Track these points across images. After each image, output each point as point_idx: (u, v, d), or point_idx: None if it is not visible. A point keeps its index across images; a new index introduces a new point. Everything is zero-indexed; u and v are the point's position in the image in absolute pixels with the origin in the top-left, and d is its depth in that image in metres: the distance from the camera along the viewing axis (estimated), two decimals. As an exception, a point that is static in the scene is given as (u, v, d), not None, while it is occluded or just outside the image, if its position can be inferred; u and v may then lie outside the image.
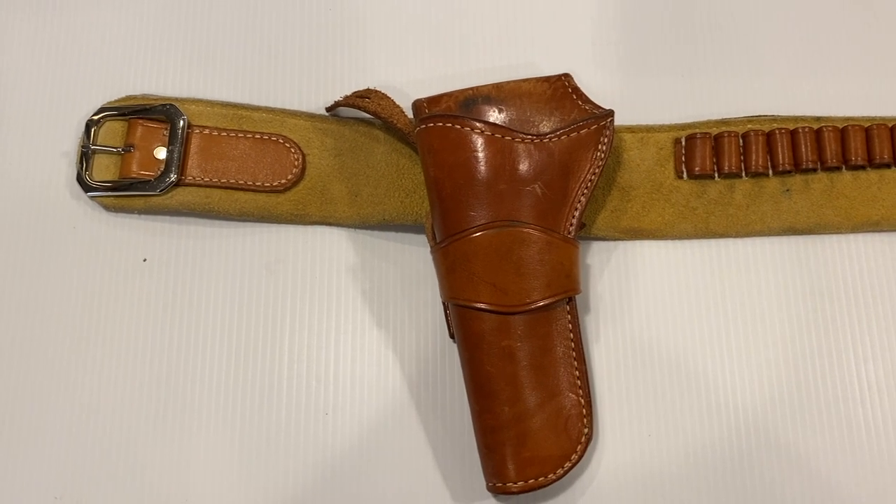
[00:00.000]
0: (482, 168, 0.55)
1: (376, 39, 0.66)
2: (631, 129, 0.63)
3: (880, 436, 0.58)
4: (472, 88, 0.60)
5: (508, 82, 0.60)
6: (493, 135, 0.55)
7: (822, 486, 0.57)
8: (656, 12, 0.67)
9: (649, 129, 0.63)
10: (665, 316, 0.60)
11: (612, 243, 0.62)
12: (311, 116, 0.64)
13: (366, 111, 0.60)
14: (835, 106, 0.64)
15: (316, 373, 0.59)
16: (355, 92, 0.62)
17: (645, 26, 0.67)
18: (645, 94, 0.65)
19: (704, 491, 0.57)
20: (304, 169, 0.62)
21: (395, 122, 0.59)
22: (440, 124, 0.55)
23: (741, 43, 0.66)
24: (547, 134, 0.56)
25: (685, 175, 0.62)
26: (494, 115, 0.59)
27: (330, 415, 0.59)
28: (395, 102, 0.60)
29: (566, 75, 0.61)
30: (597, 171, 0.57)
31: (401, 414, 0.59)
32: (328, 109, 0.63)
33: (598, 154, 0.57)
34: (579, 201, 0.57)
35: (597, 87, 0.65)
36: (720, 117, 0.63)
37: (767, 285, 0.61)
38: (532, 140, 0.56)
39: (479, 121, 0.55)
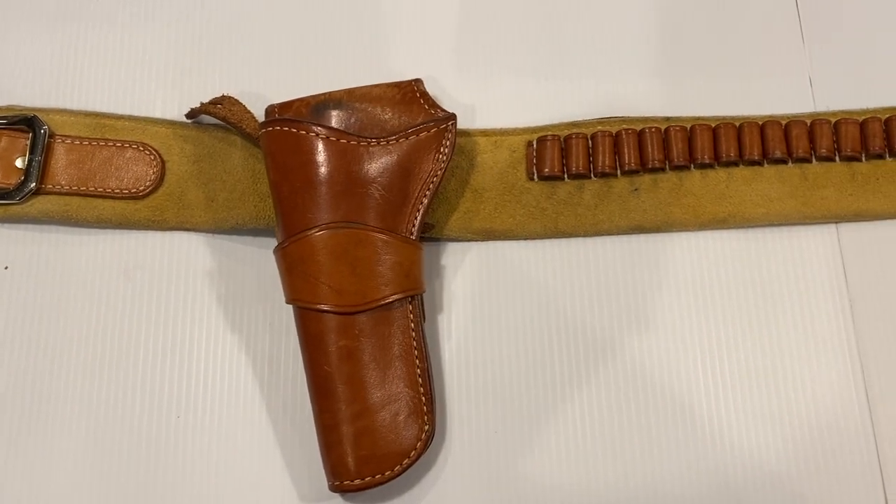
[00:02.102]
0: (319, 171, 0.56)
1: (242, 48, 0.67)
2: (485, 133, 0.64)
3: (723, 429, 0.59)
4: (324, 93, 0.61)
5: (360, 87, 0.62)
6: (329, 138, 0.56)
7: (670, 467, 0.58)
8: (515, 18, 0.68)
9: (503, 133, 0.64)
10: (515, 314, 0.61)
11: (466, 244, 0.63)
12: (172, 124, 0.64)
13: (217, 117, 0.61)
14: (686, 106, 0.65)
15: (170, 376, 0.60)
16: (212, 99, 0.63)
17: (504, 31, 0.68)
18: (503, 98, 0.66)
19: (549, 485, 0.58)
20: (162, 175, 0.63)
21: (244, 127, 0.60)
22: (278, 128, 0.57)
23: (597, 46, 0.67)
24: (387, 137, 0.57)
25: (536, 177, 0.63)
26: (345, 119, 0.60)
27: (181, 417, 0.59)
28: (246, 108, 0.61)
29: (417, 80, 0.62)
30: (439, 172, 0.58)
31: (252, 415, 0.59)
32: (188, 116, 0.64)
33: (441, 156, 0.58)
34: (422, 202, 0.58)
35: (457, 92, 0.66)
36: (572, 120, 0.64)
37: (616, 282, 0.62)
38: (370, 143, 0.57)
39: (317, 124, 0.57)
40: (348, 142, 0.56)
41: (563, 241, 0.63)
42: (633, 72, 0.67)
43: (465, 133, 0.64)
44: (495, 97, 0.66)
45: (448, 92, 0.66)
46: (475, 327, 0.61)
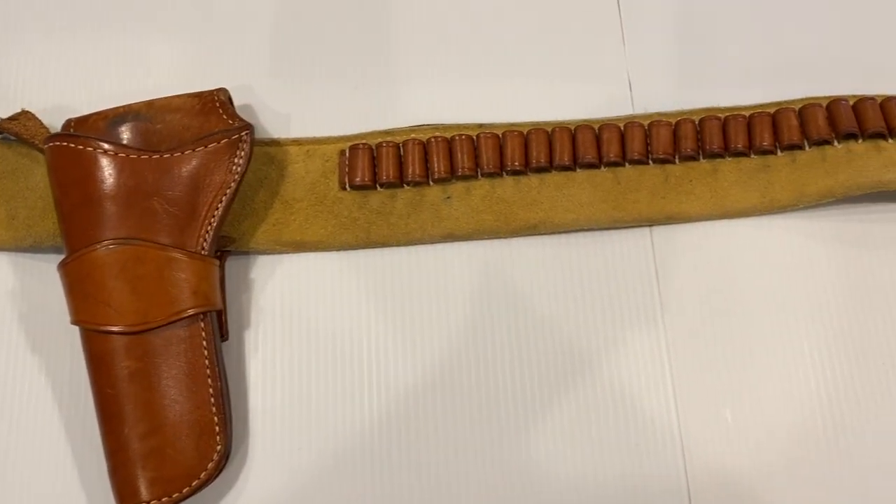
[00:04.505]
0: (97, 186, 0.54)
1: (56, 63, 0.66)
2: (298, 142, 0.63)
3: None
4: (124, 106, 0.60)
5: (161, 98, 0.60)
6: (107, 152, 0.55)
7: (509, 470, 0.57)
8: (333, 25, 0.67)
9: (317, 142, 0.63)
10: (326, 327, 0.60)
11: (276, 257, 0.62)
12: (-24, 140, 0.63)
13: (10, 133, 0.60)
14: (504, 111, 0.64)
15: (-34, 400, 0.58)
16: (11, 115, 0.61)
17: (322, 39, 0.67)
18: (321, 107, 0.65)
19: (352, 500, 0.56)
20: (-37, 194, 0.61)
21: (36, 143, 0.59)
22: (58, 143, 0.55)
23: (415, 52, 0.66)
24: (175, 149, 0.56)
25: (348, 186, 0.62)
26: (143, 131, 0.59)
27: (-24, 442, 0.57)
28: (41, 124, 0.60)
29: (220, 90, 0.61)
30: (233, 184, 0.57)
31: (50, 438, 0.58)
32: (-12, 132, 0.62)
33: (234, 168, 0.57)
34: (214, 216, 0.56)
35: (274, 101, 0.65)
36: (386, 128, 0.63)
37: (429, 292, 0.61)
38: (153, 156, 0.55)
39: (97, 139, 0.55)
40: (127, 155, 0.55)
41: (378, 251, 0.62)
42: (452, 77, 0.66)
43: (276, 142, 0.63)
44: (313, 106, 0.65)
45: (264, 101, 0.65)
46: (283, 342, 0.60)
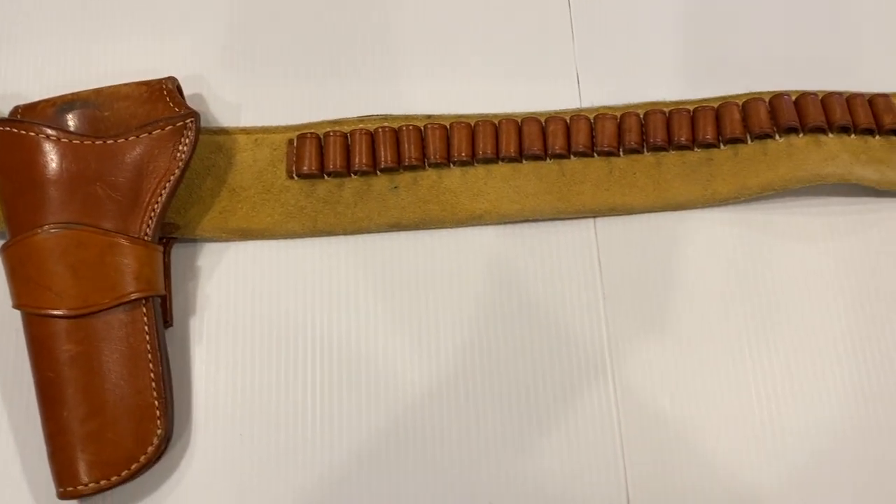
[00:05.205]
0: (40, 171, 0.55)
1: (7, 52, 0.66)
2: (246, 131, 0.63)
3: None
4: (72, 93, 0.60)
5: (109, 86, 0.60)
6: (50, 137, 0.55)
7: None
8: (286, 17, 0.68)
9: (265, 131, 0.64)
10: (271, 315, 0.60)
11: (223, 244, 0.62)
12: (-75, 126, 0.63)
13: (-46, 118, 0.60)
14: (455, 104, 0.65)
15: None
16: (-41, 100, 0.61)
17: (275, 30, 0.67)
18: (273, 97, 0.66)
19: (293, 488, 0.57)
20: (-90, 179, 0.61)
21: (-18, 129, 0.59)
22: (0, 129, 0.55)
23: (369, 45, 0.67)
24: (119, 136, 0.56)
25: (295, 175, 0.62)
26: (90, 119, 0.59)
27: (-83, 427, 0.57)
28: (-10, 110, 0.60)
29: (169, 79, 0.61)
30: (177, 171, 0.57)
31: (-8, 423, 0.58)
32: (-62, 118, 0.62)
33: (179, 155, 0.57)
34: (157, 202, 0.57)
35: (226, 92, 0.66)
36: (335, 118, 0.64)
37: (375, 280, 0.61)
38: (95, 142, 0.56)
39: (41, 124, 0.55)
40: (70, 141, 0.55)
41: (324, 240, 0.62)
42: (401, 71, 0.66)
43: (225, 131, 0.63)
44: (263, 96, 0.66)
45: (215, 91, 0.66)
46: (229, 329, 0.60)
